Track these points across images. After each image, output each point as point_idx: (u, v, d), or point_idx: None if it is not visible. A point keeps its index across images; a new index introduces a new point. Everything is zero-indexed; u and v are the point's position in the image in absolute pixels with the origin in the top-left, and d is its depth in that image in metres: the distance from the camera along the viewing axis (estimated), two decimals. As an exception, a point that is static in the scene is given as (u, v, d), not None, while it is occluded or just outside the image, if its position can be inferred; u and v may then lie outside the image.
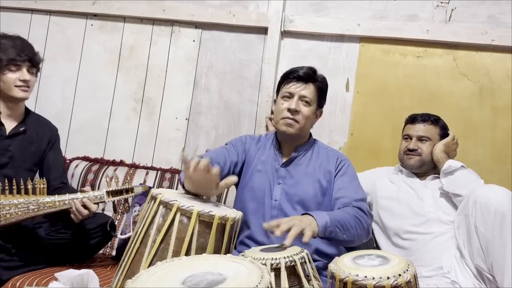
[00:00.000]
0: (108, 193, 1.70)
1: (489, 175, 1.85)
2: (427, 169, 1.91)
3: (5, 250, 1.69)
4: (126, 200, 1.77)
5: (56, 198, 1.66)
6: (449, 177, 1.79)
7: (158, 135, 2.52)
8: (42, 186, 1.67)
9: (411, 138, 1.92)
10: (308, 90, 1.65)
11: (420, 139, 1.90)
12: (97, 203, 1.71)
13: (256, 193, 1.64)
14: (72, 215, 1.68)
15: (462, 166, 1.79)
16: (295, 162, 1.68)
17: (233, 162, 1.67)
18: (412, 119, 1.96)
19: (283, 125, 1.65)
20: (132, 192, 1.75)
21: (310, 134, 1.78)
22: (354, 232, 1.48)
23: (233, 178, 1.28)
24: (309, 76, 1.65)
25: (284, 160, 1.68)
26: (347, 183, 1.64)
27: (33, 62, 1.83)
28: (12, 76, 1.78)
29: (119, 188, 1.72)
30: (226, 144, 1.76)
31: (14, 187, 1.65)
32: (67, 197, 1.67)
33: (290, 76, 1.67)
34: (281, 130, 1.67)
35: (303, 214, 1.44)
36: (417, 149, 1.89)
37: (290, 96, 1.65)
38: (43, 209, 1.64)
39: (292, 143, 1.71)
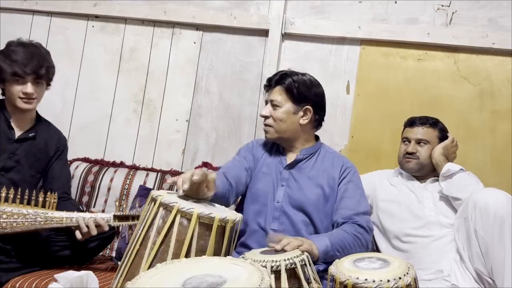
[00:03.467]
0: (115, 217, 1.67)
1: (489, 178, 1.85)
2: (427, 172, 1.91)
3: (4, 251, 1.68)
4: (130, 227, 1.74)
5: (64, 214, 1.65)
6: (448, 180, 1.79)
7: (158, 137, 2.52)
8: (53, 200, 1.67)
9: (409, 141, 1.91)
10: (274, 94, 1.68)
11: (419, 142, 1.90)
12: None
13: (260, 195, 1.65)
14: (77, 232, 1.64)
15: (461, 169, 1.79)
16: (299, 166, 1.68)
17: (247, 169, 1.70)
18: (411, 122, 1.95)
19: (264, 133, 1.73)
20: (137, 220, 1.70)
21: (317, 138, 1.78)
22: (354, 251, 1.48)
23: (213, 175, 1.32)
24: (274, 80, 1.70)
25: (288, 163, 1.69)
26: (351, 193, 1.64)
27: (38, 74, 1.81)
28: (17, 88, 1.79)
29: (127, 214, 1.70)
30: (237, 154, 1.79)
31: (26, 195, 1.65)
32: (75, 215, 1.65)
33: (265, 87, 1.75)
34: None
35: (303, 238, 1.45)
36: (416, 152, 1.88)
37: (266, 104, 1.72)
38: (49, 223, 1.63)
39: (288, 147, 1.72)
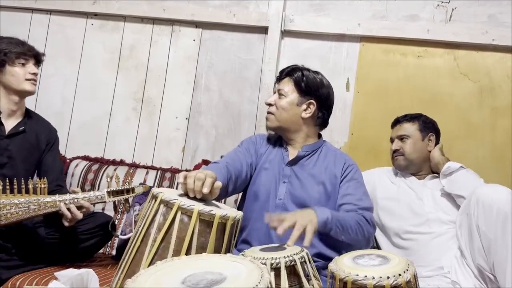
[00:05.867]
0: (108, 193, 1.69)
1: (489, 175, 1.85)
2: (418, 168, 1.93)
3: (4, 249, 1.68)
4: (126, 200, 1.76)
5: (57, 198, 1.65)
6: (448, 178, 1.79)
7: (158, 135, 2.52)
8: (43, 186, 1.66)
9: (393, 140, 1.96)
10: (282, 84, 1.72)
11: (400, 138, 1.94)
12: (96, 203, 1.71)
13: (261, 191, 1.65)
14: (63, 220, 1.65)
15: (461, 167, 1.79)
16: (301, 163, 1.68)
17: (248, 163, 1.69)
18: (394, 123, 2.01)
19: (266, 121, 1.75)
20: (132, 192, 1.75)
21: (320, 135, 1.78)
22: (354, 237, 1.48)
23: (219, 183, 1.28)
24: (285, 73, 1.73)
25: (290, 159, 1.69)
26: (353, 190, 1.64)
27: (38, 59, 1.88)
28: (21, 71, 1.82)
29: (120, 188, 1.72)
30: (239, 146, 1.78)
31: (15, 186, 1.65)
32: (68, 196, 1.66)
33: (277, 78, 1.79)
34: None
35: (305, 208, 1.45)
36: (399, 149, 1.93)
37: (274, 94, 1.75)
38: (43, 209, 1.63)
39: (288, 140, 1.72)
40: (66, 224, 1.65)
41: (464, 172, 1.79)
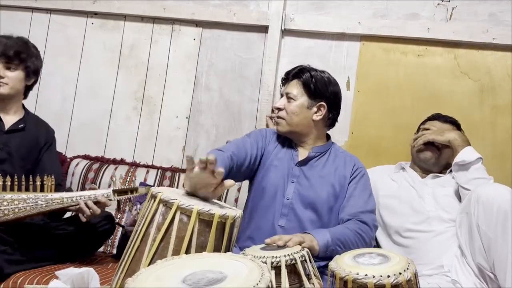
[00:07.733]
0: (114, 191, 1.72)
1: (489, 173, 1.84)
2: (441, 167, 1.91)
3: (8, 243, 1.68)
4: (130, 199, 1.80)
5: (64, 195, 1.67)
6: (461, 169, 1.77)
7: (158, 134, 2.52)
8: (50, 183, 1.69)
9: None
10: (290, 87, 1.68)
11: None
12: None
13: (269, 189, 1.64)
14: (80, 214, 1.68)
15: (479, 158, 1.76)
16: (311, 163, 1.68)
17: (253, 156, 1.67)
18: (432, 117, 1.97)
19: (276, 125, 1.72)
20: (136, 192, 1.77)
21: (329, 137, 1.78)
22: (355, 248, 1.48)
23: (231, 182, 1.26)
24: (292, 74, 1.70)
25: (300, 159, 1.68)
26: (359, 192, 1.64)
27: (7, 56, 1.81)
28: None
29: (125, 188, 1.75)
30: (247, 135, 1.76)
31: (16, 183, 1.66)
32: (75, 194, 1.68)
33: (282, 80, 1.75)
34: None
35: (304, 233, 1.45)
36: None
37: (281, 97, 1.72)
38: (51, 205, 1.65)
39: (299, 142, 1.71)
40: (83, 219, 1.68)
41: (477, 166, 1.76)
